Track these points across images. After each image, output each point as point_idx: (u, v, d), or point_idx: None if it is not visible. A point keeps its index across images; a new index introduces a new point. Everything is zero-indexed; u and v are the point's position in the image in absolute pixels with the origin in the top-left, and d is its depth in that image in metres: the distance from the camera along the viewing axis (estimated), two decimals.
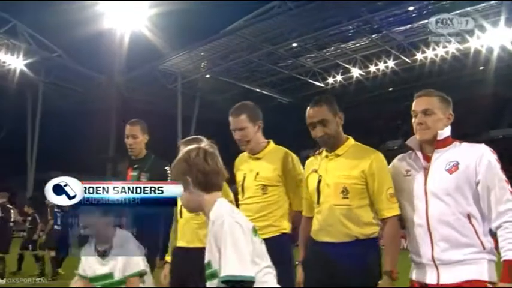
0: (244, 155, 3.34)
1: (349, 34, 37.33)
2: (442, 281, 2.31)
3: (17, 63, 40.22)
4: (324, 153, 2.85)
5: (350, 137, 2.91)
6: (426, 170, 2.47)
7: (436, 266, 2.34)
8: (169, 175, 3.47)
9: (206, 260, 2.10)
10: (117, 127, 57.52)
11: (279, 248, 2.78)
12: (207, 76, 45.14)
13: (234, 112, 3.30)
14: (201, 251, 3.09)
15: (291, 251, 3.08)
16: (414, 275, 2.47)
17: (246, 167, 3.25)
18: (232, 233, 1.93)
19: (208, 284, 2.06)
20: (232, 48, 39.56)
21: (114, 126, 59.23)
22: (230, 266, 1.87)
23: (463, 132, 40.38)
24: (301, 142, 42.88)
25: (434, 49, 36.17)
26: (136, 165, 3.90)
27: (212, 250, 2.02)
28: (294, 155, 3.19)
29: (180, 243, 3.40)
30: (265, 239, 2.35)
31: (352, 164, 2.68)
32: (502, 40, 33.66)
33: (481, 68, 37.77)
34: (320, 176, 2.77)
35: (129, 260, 2.69)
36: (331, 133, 2.77)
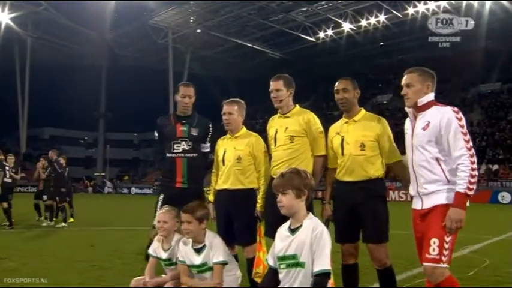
0: (276, 116, 4.24)
1: None
2: (424, 207, 3.16)
3: (2, 17, 39.45)
4: (344, 119, 3.93)
5: (362, 108, 3.96)
6: (413, 129, 3.32)
7: (420, 196, 3.19)
8: (211, 131, 4.52)
9: (293, 252, 2.90)
10: (108, 83, 57.44)
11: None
12: (198, 31, 44.69)
13: (274, 77, 4.23)
14: (242, 191, 4.09)
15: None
16: (412, 205, 3.31)
17: (277, 124, 4.16)
18: (327, 241, 2.84)
19: (287, 270, 2.91)
20: (223, 2, 39.00)
21: (104, 82, 59.10)
22: (325, 263, 2.79)
23: (453, 87, 40.98)
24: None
25: (426, 3, 35.96)
26: (184, 121, 4.43)
27: (304, 248, 2.85)
28: (313, 114, 4.13)
29: (224, 185, 4.19)
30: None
31: (366, 126, 3.82)
32: None
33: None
34: (342, 136, 3.87)
35: (215, 253, 3.55)
36: (349, 98, 3.88)
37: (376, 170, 3.76)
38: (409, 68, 3.42)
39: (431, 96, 3.26)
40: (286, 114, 4.10)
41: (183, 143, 4.39)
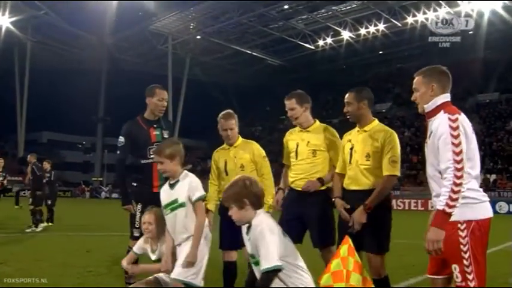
0: (295, 129, 4.34)
1: None
2: None
3: (2, 20, 39.55)
4: (357, 128, 3.97)
5: (376, 119, 3.99)
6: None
7: (435, 208, 2.89)
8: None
9: (250, 252, 3.00)
10: (107, 87, 57.39)
11: (325, 198, 4.10)
12: (198, 37, 44.80)
13: (286, 97, 4.31)
14: None
15: (331, 201, 4.14)
16: None
17: (297, 137, 4.28)
18: (269, 236, 2.84)
19: (256, 268, 2.96)
20: (224, 9, 39.16)
21: (104, 86, 59.07)
22: (270, 259, 2.78)
23: (451, 96, 40.95)
24: None
25: (424, 13, 36.14)
26: (155, 125, 4.38)
27: (253, 246, 2.91)
28: (332, 128, 4.31)
29: None
30: (312, 191, 3.99)
31: (374, 138, 3.83)
32: (492, 4, 33.70)
33: (471, 32, 37.87)
34: (352, 144, 3.92)
35: (191, 189, 3.46)
36: (352, 112, 3.92)
37: (380, 180, 3.74)
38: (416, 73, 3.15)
39: (439, 99, 2.95)
40: (307, 129, 4.24)
41: None
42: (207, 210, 4.23)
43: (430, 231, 2.70)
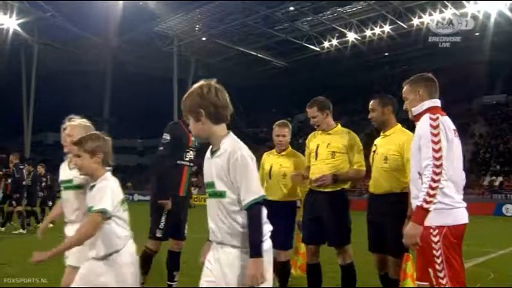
0: (317, 132, 4.50)
1: None
2: None
3: (9, 23, 39.66)
4: (382, 133, 4.16)
5: (398, 124, 4.15)
6: None
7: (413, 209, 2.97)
8: None
9: (209, 180, 2.42)
10: (112, 88, 57.58)
11: (341, 198, 4.26)
12: (203, 39, 44.86)
13: (308, 105, 4.47)
14: (284, 202, 4.57)
15: (348, 200, 4.42)
16: None
17: (319, 140, 4.42)
18: (247, 166, 2.32)
19: (211, 199, 2.40)
20: (229, 10, 39.17)
21: (109, 88, 59.28)
22: (251, 192, 2.29)
23: (457, 98, 40.87)
24: (295, 105, 43.33)
25: (430, 14, 35.98)
26: None
27: (222, 175, 2.34)
28: (353, 132, 4.47)
29: (270, 197, 4.48)
30: (331, 192, 4.16)
31: (393, 141, 3.96)
32: (499, 5, 33.52)
33: (477, 34, 37.73)
34: (376, 148, 4.11)
35: (91, 197, 2.81)
36: (376, 118, 4.12)
37: (398, 184, 3.85)
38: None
39: (426, 104, 3.03)
40: (329, 132, 4.41)
41: (191, 152, 4.63)
42: None
43: (408, 227, 2.76)
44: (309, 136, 4.61)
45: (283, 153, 4.74)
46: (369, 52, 44.62)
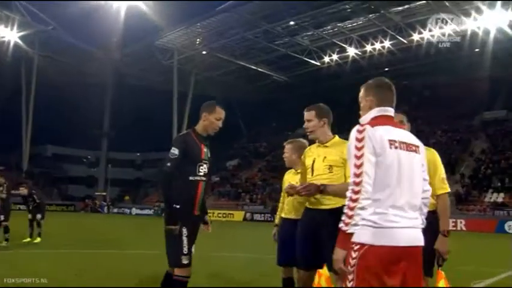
0: (314, 145, 4.17)
1: (347, 13, 37.21)
2: None
3: (11, 35, 39.93)
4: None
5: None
6: None
7: None
8: None
9: None
10: (112, 101, 57.63)
11: (338, 217, 3.60)
12: (204, 52, 45.01)
13: (306, 108, 4.15)
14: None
15: None
16: None
17: (315, 153, 4.07)
18: None
19: None
20: (229, 25, 39.34)
21: (109, 101, 59.34)
22: None
23: (458, 114, 40.88)
24: (295, 120, 43.25)
25: (430, 30, 36.13)
26: (206, 142, 4.15)
27: None
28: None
29: (289, 215, 4.51)
30: (330, 209, 3.70)
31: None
32: (498, 22, 33.66)
33: (477, 50, 37.86)
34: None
35: None
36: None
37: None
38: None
39: (372, 113, 2.67)
40: (325, 144, 4.06)
41: (205, 165, 4.12)
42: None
43: (334, 251, 2.45)
44: (304, 152, 4.22)
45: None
46: (370, 67, 44.74)
